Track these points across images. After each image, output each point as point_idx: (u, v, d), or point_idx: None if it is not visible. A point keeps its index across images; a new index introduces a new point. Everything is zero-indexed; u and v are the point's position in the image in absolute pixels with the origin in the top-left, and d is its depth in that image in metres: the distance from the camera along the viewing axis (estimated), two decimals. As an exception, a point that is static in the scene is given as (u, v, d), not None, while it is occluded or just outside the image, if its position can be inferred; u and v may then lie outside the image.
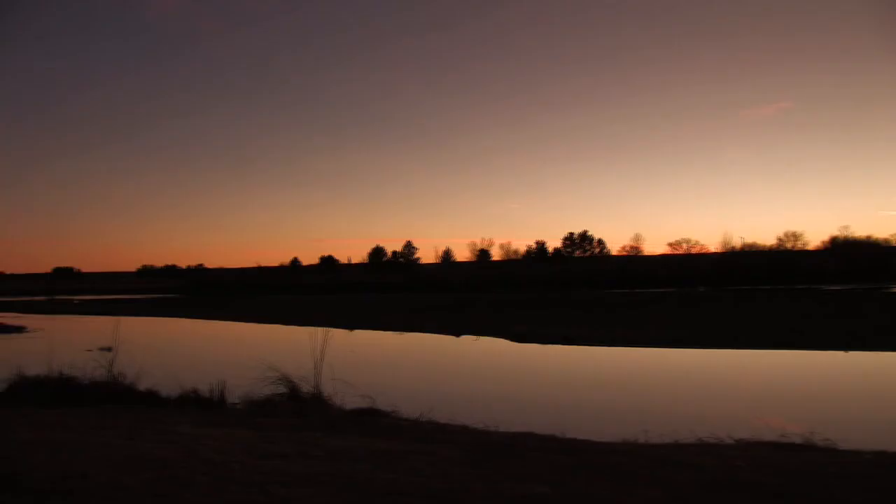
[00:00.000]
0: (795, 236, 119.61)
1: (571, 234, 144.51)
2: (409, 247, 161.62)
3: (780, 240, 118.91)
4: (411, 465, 7.83)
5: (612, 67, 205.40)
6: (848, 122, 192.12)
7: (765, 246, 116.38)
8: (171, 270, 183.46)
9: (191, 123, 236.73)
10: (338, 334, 31.69)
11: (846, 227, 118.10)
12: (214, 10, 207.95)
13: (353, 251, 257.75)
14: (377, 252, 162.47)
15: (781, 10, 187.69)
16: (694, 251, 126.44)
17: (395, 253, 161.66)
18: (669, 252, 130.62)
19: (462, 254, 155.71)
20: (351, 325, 40.00)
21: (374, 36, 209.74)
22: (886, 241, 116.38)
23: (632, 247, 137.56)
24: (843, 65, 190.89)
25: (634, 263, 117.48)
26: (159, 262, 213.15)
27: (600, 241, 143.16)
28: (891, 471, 7.35)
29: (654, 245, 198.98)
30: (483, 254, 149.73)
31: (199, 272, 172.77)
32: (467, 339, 32.50)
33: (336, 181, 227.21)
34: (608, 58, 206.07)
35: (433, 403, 14.09)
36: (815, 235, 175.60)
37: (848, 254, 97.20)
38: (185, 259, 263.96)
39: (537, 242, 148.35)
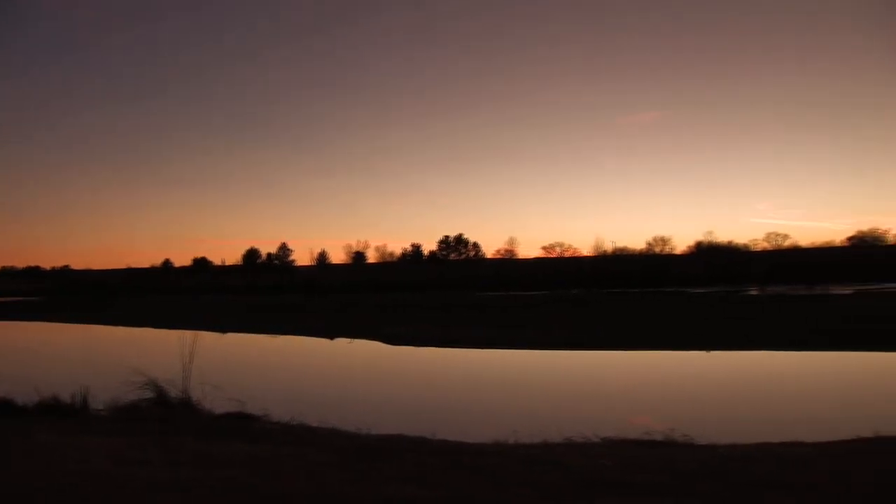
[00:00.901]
0: (664, 241, 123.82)
1: (447, 237, 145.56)
2: (284, 248, 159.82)
3: (649, 244, 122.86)
4: (282, 469, 7.75)
5: (489, 71, 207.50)
6: (716, 132, 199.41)
7: (635, 250, 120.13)
8: (33, 272, 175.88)
9: (61, 123, 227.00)
10: (208, 337, 31.04)
11: (710, 233, 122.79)
12: (96, 6, 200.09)
13: (227, 253, 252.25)
14: (251, 254, 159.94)
15: (657, 17, 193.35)
16: (567, 255, 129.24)
17: (269, 255, 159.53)
18: (543, 255, 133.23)
19: (338, 256, 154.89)
20: (222, 328, 39.23)
21: (256, 38, 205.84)
22: (746, 246, 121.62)
23: (506, 250, 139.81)
24: (715, 74, 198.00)
25: (509, 266, 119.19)
26: (21, 263, 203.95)
27: (475, 245, 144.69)
28: (741, 462, 7.70)
29: (529, 249, 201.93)
30: (358, 256, 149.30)
31: (63, 274, 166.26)
32: (341, 342, 32.35)
33: (212, 182, 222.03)
34: (484, 62, 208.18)
35: (305, 407, 13.98)
36: (682, 240, 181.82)
37: (711, 258, 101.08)
38: (49, 260, 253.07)
39: (413, 245, 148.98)
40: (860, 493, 6.29)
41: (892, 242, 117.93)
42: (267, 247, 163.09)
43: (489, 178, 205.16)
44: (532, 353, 26.78)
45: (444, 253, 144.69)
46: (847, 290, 65.06)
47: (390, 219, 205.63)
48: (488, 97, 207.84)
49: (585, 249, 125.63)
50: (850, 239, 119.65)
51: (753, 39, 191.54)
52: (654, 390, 18.85)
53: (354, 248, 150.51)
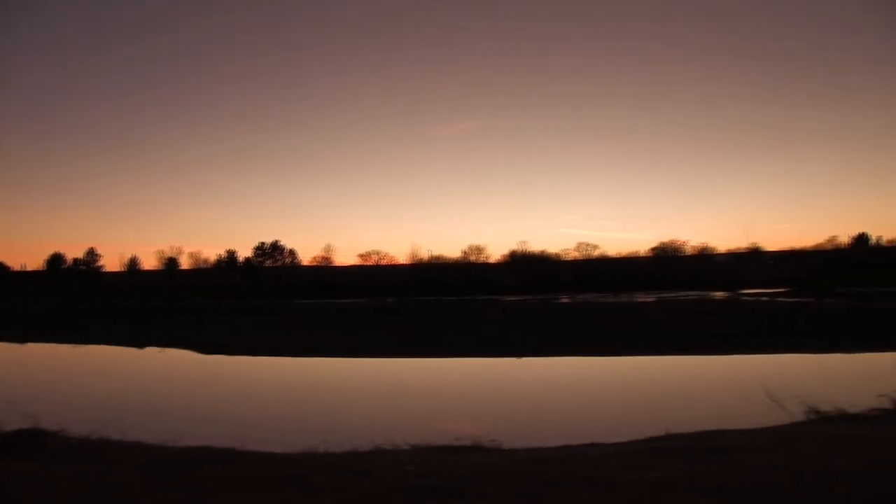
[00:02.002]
0: (479, 250, 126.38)
1: (262, 243, 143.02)
2: (91, 253, 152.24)
3: (465, 253, 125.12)
4: (83, 486, 7.38)
5: (305, 82, 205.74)
6: (530, 144, 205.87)
7: (451, 258, 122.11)
8: None
9: None
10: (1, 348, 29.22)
11: (524, 242, 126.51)
12: None
13: (29, 257, 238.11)
14: (56, 258, 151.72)
15: (473, 28, 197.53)
16: (384, 263, 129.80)
17: (76, 260, 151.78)
18: (360, 263, 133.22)
19: (149, 262, 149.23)
20: (20, 338, 36.99)
21: (81, 39, 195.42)
22: (557, 255, 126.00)
23: (323, 257, 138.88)
24: (530, 86, 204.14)
25: (325, 274, 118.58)
26: None
27: (292, 252, 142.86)
28: (540, 464, 7.96)
29: (346, 256, 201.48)
30: (171, 262, 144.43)
31: None
32: (151, 351, 31.19)
33: (15, 182, 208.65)
34: (296, 70, 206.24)
35: (108, 420, 13.36)
36: (497, 249, 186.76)
37: (524, 267, 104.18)
38: None
39: (228, 251, 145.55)
40: (642, 491, 6.63)
41: (689, 253, 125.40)
42: (74, 251, 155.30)
43: (307, 186, 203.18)
44: (350, 360, 26.75)
45: (259, 259, 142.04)
46: (650, 298, 68.67)
47: (206, 225, 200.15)
48: (306, 107, 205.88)
49: (402, 257, 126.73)
50: (653, 249, 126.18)
51: (568, 52, 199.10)
52: (470, 397, 19.22)
53: (167, 254, 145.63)
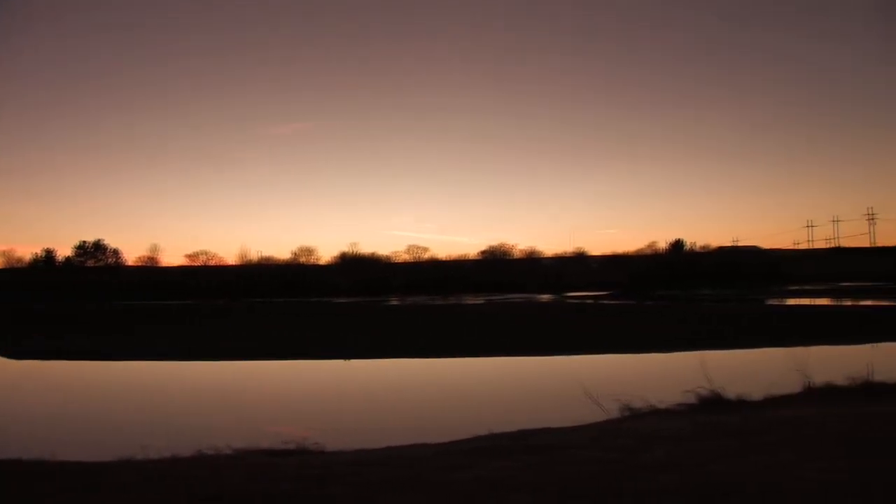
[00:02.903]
0: (309, 251, 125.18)
1: (84, 242, 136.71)
2: None
3: (295, 254, 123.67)
4: None
5: (132, 75, 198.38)
6: (361, 146, 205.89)
7: (281, 260, 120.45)
8: None
9: None
10: None
11: (355, 244, 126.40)
12: None
13: None
14: None
15: (302, 31, 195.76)
16: (212, 263, 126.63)
17: None
18: (188, 264, 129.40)
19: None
20: None
21: None
22: (388, 257, 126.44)
23: (149, 258, 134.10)
24: (362, 87, 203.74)
25: (151, 274, 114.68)
26: None
27: (115, 251, 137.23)
28: (365, 466, 8.00)
29: (172, 256, 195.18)
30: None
31: None
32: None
33: None
34: (127, 65, 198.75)
35: None
36: (327, 251, 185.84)
37: (355, 269, 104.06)
38: None
39: (45, 250, 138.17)
40: (463, 489, 6.78)
41: (517, 257, 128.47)
42: None
43: (131, 183, 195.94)
44: (179, 364, 26.04)
45: (80, 259, 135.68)
46: (479, 300, 70.02)
47: (20, 222, 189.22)
48: (133, 103, 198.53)
49: (231, 258, 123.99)
50: (482, 253, 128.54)
51: (401, 55, 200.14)
52: (299, 400, 19.05)
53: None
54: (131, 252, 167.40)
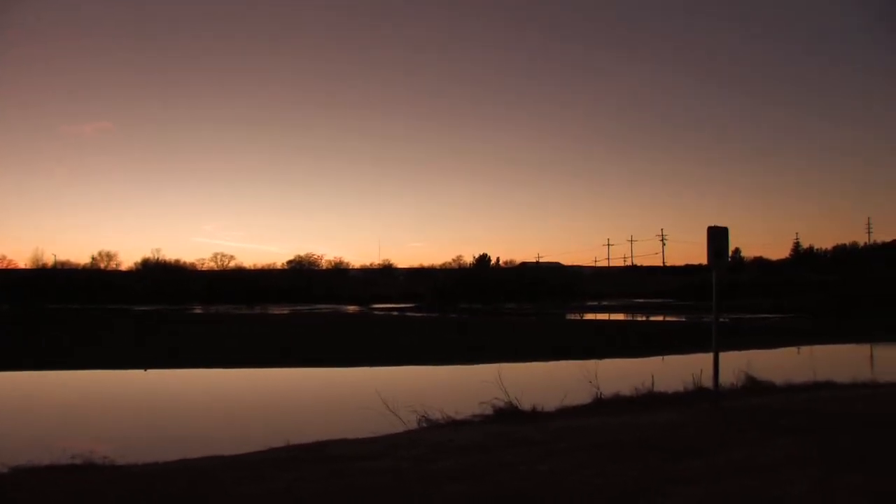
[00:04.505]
0: (109, 256, 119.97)
1: None
2: None
3: (94, 259, 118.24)
4: None
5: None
6: (167, 149, 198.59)
7: (79, 264, 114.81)
8: None
9: None
10: None
11: (158, 250, 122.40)
12: None
13: None
14: None
15: (106, 25, 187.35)
16: (1, 266, 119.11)
17: None
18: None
19: None
20: None
21: None
22: (193, 264, 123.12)
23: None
24: (160, 87, 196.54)
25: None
26: None
27: None
28: (156, 478, 7.84)
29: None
30: None
31: None
32: None
33: None
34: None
35: None
36: (129, 256, 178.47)
37: (157, 276, 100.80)
38: None
39: None
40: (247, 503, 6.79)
41: (325, 267, 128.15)
42: None
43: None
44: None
45: None
46: (285, 310, 69.37)
47: None
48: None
49: (23, 262, 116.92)
50: (290, 262, 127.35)
51: (216, 63, 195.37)
52: (93, 413, 18.24)
53: None
54: None
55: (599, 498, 6.59)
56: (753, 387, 16.20)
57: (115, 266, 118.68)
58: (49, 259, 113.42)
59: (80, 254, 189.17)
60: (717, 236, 12.54)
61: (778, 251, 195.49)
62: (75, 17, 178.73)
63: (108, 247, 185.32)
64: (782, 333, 38.35)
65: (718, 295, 12.62)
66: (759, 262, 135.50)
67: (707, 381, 14.06)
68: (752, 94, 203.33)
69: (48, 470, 9.32)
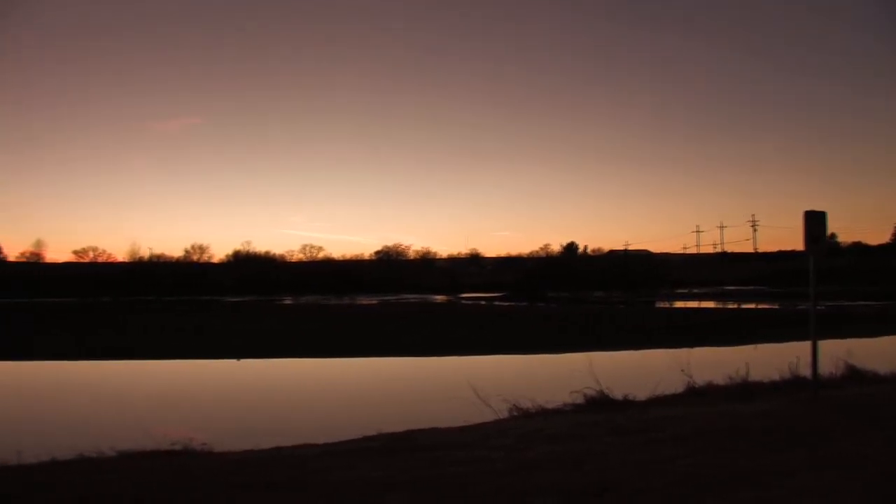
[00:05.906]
0: (202, 249, 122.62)
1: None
2: None
3: (187, 252, 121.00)
4: None
5: (33, 76, 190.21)
6: (254, 142, 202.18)
7: (173, 257, 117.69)
8: None
9: None
10: None
11: (248, 242, 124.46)
12: None
13: None
14: None
15: (189, 22, 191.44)
16: (101, 260, 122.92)
17: None
18: (75, 260, 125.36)
19: None
20: None
21: None
22: (282, 256, 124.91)
23: (33, 253, 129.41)
24: (248, 83, 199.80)
25: (35, 270, 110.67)
26: None
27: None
28: (245, 467, 7.98)
29: (59, 252, 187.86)
30: None
31: None
32: None
33: None
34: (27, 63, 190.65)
35: None
36: (220, 248, 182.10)
37: (247, 267, 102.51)
38: None
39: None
40: (338, 490, 6.83)
41: (412, 257, 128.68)
42: None
43: (15, 177, 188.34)
44: (61, 363, 25.27)
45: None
46: (373, 301, 69.95)
47: None
48: (15, 97, 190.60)
49: (121, 255, 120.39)
50: (377, 253, 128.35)
51: (294, 49, 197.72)
52: (193, 400, 18.72)
53: None
54: (13, 247, 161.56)
55: (697, 487, 6.45)
56: (855, 377, 15.67)
57: (207, 258, 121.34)
58: (145, 252, 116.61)
59: (173, 247, 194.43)
60: (815, 221, 12.14)
61: (877, 236, 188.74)
62: (164, 13, 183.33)
63: (200, 240, 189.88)
64: (884, 321, 37.08)
65: (816, 282, 12.25)
66: (857, 248, 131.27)
67: (804, 371, 13.64)
68: (845, 82, 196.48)
69: (151, 455, 9.57)
